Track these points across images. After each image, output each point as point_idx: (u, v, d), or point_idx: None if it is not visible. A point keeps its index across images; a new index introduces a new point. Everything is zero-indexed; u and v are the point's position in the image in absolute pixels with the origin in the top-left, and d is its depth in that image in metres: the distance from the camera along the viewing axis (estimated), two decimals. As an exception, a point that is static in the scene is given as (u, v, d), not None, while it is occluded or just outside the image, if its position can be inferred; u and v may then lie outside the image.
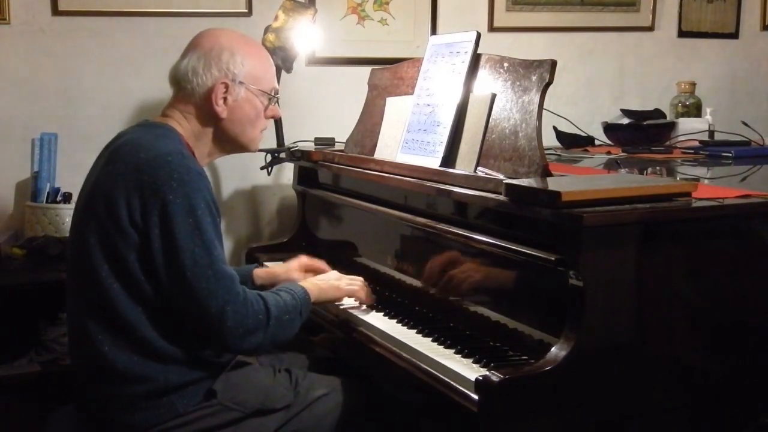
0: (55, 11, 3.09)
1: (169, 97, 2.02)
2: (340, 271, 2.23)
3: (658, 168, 2.57)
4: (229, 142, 2.02)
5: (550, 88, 1.93)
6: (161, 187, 1.75)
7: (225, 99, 1.94)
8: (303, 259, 2.30)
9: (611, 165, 2.61)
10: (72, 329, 1.93)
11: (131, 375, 1.80)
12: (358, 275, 2.22)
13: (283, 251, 2.78)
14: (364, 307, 2.16)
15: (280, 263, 2.40)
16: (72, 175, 3.03)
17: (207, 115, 1.96)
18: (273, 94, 2.03)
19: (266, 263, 2.51)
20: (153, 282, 1.78)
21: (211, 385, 1.87)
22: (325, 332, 2.20)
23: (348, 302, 2.19)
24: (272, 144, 3.05)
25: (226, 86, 1.94)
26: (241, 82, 1.95)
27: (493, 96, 2.05)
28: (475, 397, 1.59)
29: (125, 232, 1.76)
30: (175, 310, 1.79)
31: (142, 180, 1.76)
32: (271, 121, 3.00)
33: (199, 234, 1.75)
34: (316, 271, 2.26)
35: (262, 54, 2.05)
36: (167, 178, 1.75)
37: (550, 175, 1.85)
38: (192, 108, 1.96)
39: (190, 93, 1.95)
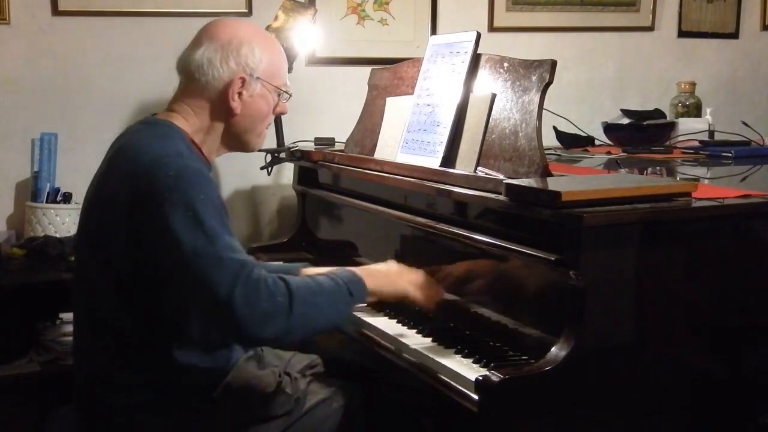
0: (55, 11, 3.09)
1: (170, 95, 1.94)
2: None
3: (658, 168, 2.57)
4: (236, 138, 1.94)
5: (550, 88, 1.93)
6: (157, 188, 1.68)
7: (240, 94, 1.87)
8: None
9: (611, 165, 2.60)
10: (75, 336, 1.92)
11: (131, 385, 1.78)
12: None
13: (283, 251, 2.78)
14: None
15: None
16: (72, 175, 3.04)
17: (219, 109, 1.88)
18: (285, 90, 1.97)
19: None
20: (155, 296, 1.74)
21: (212, 393, 1.85)
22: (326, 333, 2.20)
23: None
24: (272, 144, 3.05)
25: (243, 81, 1.86)
26: (258, 78, 1.88)
27: (493, 96, 2.04)
28: (475, 397, 1.59)
29: (125, 241, 1.72)
30: (177, 320, 1.77)
31: (139, 187, 1.70)
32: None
33: (199, 225, 1.65)
34: None
35: (279, 49, 1.98)
36: (163, 177, 1.68)
37: (550, 175, 1.85)
38: (203, 102, 1.87)
39: (203, 86, 1.86)
